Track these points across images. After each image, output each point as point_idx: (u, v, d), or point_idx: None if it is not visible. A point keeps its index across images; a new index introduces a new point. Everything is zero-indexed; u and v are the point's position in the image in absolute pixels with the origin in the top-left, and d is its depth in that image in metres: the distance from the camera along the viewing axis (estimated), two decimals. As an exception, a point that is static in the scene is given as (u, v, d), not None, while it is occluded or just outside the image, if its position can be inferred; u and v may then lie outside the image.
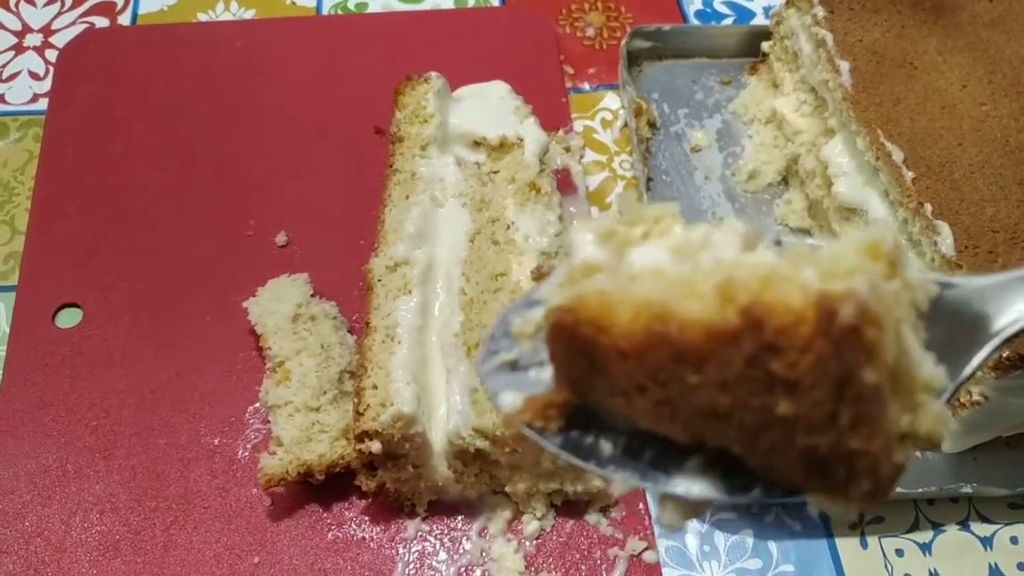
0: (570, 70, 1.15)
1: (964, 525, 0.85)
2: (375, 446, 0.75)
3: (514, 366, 0.48)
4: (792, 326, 0.34)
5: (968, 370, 0.45)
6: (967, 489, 0.83)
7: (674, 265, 0.42)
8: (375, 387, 0.77)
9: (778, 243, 0.49)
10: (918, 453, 0.87)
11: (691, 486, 0.42)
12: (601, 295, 0.39)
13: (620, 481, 0.43)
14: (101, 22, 1.15)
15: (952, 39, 0.94)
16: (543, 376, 0.45)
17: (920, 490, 0.84)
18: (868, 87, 0.90)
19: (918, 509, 0.86)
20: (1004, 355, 0.74)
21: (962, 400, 0.80)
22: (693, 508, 0.43)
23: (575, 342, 0.40)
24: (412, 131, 0.94)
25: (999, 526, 0.85)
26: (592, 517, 0.83)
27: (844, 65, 0.92)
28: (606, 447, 0.44)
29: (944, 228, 0.80)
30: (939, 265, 0.80)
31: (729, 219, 0.45)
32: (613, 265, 0.44)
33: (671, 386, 0.38)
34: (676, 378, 0.37)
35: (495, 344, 0.49)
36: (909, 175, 0.84)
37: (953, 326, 0.45)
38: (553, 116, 1.06)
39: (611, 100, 1.12)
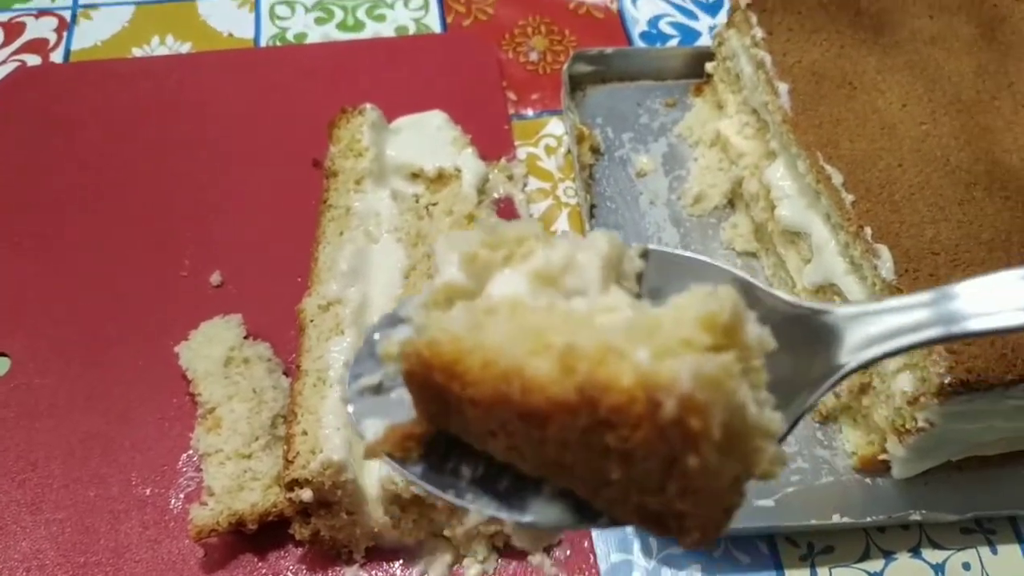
0: (513, 96, 1.13)
1: (915, 552, 0.84)
2: (306, 494, 0.73)
3: (378, 389, 0.48)
4: (624, 406, 0.35)
5: (809, 402, 0.45)
6: (916, 516, 0.82)
7: (532, 297, 0.44)
8: (305, 433, 0.75)
9: (644, 255, 0.49)
10: (867, 480, 0.86)
11: (544, 513, 0.43)
12: (454, 341, 0.40)
13: (476, 511, 0.44)
14: (33, 60, 1.13)
15: (892, 57, 0.93)
16: (406, 397, 0.45)
17: (869, 519, 0.82)
18: (807, 109, 0.89)
19: (868, 537, 0.84)
20: (947, 381, 0.73)
21: (907, 427, 0.78)
22: (547, 534, 0.50)
23: (428, 387, 0.41)
24: (347, 165, 0.93)
25: (951, 552, 0.84)
26: (535, 558, 0.80)
27: (783, 87, 0.91)
28: (466, 474, 0.45)
29: (884, 251, 0.79)
30: (880, 289, 0.79)
31: (594, 233, 0.46)
32: (474, 290, 0.46)
33: (519, 436, 0.39)
34: (521, 432, 0.39)
35: (359, 367, 0.49)
36: (849, 198, 0.82)
37: (813, 352, 0.45)
38: (495, 144, 1.05)
39: (555, 126, 1.11)
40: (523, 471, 0.42)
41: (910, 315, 0.44)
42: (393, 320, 0.49)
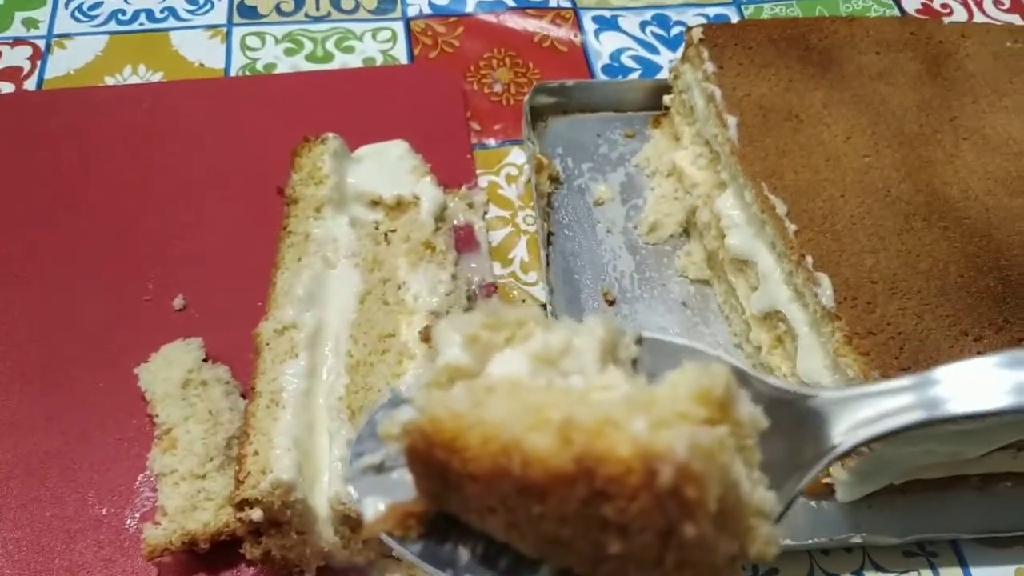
0: (476, 126, 1.16)
1: (858, 575, 0.85)
2: (256, 514, 0.75)
3: (379, 468, 0.49)
4: (621, 476, 0.36)
5: (802, 484, 0.47)
6: (857, 539, 0.83)
7: (532, 376, 0.46)
8: (256, 453, 0.77)
9: (639, 341, 0.51)
10: (812, 503, 0.88)
11: None
12: (455, 418, 0.41)
13: None
14: (6, 87, 1.15)
15: (838, 91, 0.97)
16: (407, 477, 0.47)
17: (811, 541, 0.84)
18: (754, 141, 0.92)
19: (812, 560, 0.86)
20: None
21: (847, 450, 0.80)
22: None
23: (429, 463, 0.42)
24: (307, 192, 0.95)
25: (893, 575, 0.85)
26: (484, 579, 0.82)
27: (731, 120, 0.94)
28: (464, 554, 0.46)
29: (824, 280, 0.81)
30: (820, 316, 0.81)
31: (592, 319, 0.48)
32: (475, 370, 0.47)
33: (518, 512, 0.40)
34: (520, 507, 0.40)
35: (361, 446, 0.50)
36: (792, 227, 0.85)
37: (797, 436, 0.48)
38: (457, 172, 1.07)
39: (517, 155, 1.13)
40: (522, 551, 0.43)
41: (894, 399, 0.46)
42: (395, 401, 0.50)
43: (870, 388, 0.47)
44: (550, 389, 0.44)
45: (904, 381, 0.46)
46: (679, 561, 0.37)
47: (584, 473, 0.37)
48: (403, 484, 0.47)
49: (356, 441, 0.51)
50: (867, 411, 0.46)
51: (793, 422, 0.47)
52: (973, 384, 0.45)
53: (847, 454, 0.47)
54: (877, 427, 0.46)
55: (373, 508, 0.47)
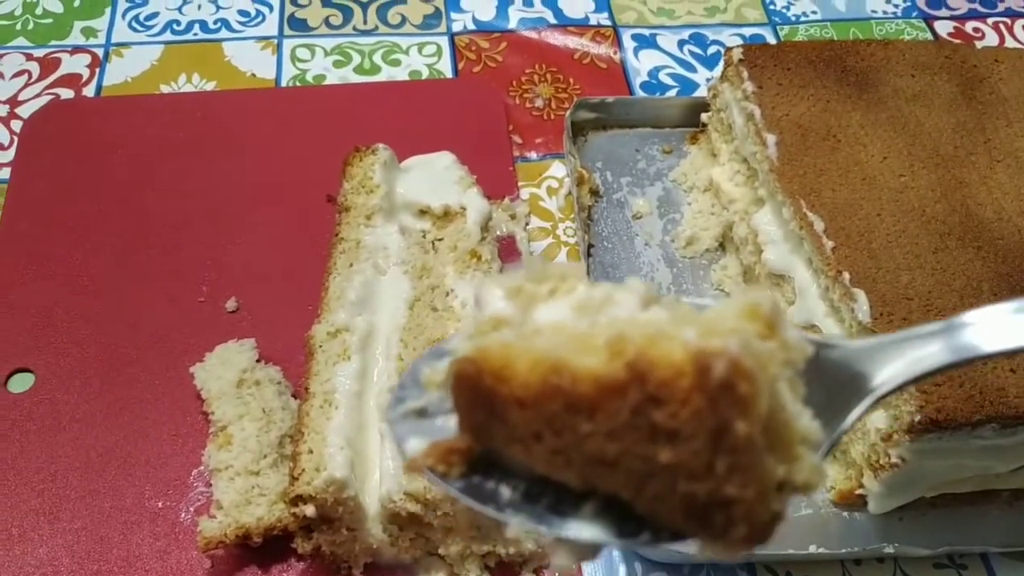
0: (519, 140, 1.19)
1: (889, 585, 0.87)
2: (309, 510, 0.78)
3: (422, 413, 0.49)
4: (673, 379, 0.37)
5: (846, 424, 0.48)
6: (889, 549, 0.85)
7: (576, 321, 0.45)
8: (311, 452, 0.80)
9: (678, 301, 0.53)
10: (845, 514, 0.90)
11: (583, 530, 0.44)
12: (503, 347, 0.42)
13: (516, 524, 0.45)
14: (67, 93, 1.20)
15: (874, 113, 0.99)
16: (449, 424, 0.47)
17: (844, 551, 0.86)
18: (793, 159, 0.94)
19: (845, 569, 0.88)
20: (917, 419, 0.77)
21: (881, 463, 0.83)
22: (585, 551, 0.45)
23: (476, 391, 0.42)
24: (358, 201, 0.98)
25: (924, 586, 0.87)
26: (525, 578, 0.85)
27: (771, 138, 0.96)
28: (506, 492, 0.45)
29: (861, 296, 0.84)
30: (856, 332, 0.84)
31: (630, 279, 0.48)
32: (519, 320, 0.46)
33: (565, 435, 0.40)
34: (569, 427, 0.40)
35: (403, 392, 0.50)
36: (829, 244, 0.87)
37: (833, 385, 0.48)
38: (500, 184, 1.10)
39: (557, 168, 1.16)
40: (566, 481, 0.43)
41: (925, 343, 0.48)
42: (439, 353, 0.51)
43: (900, 335, 0.49)
44: (597, 324, 0.44)
45: (932, 327, 0.48)
46: (730, 467, 0.37)
47: (636, 379, 0.37)
48: (445, 430, 0.47)
49: (398, 387, 0.51)
50: (901, 355, 0.48)
51: (826, 370, 0.48)
52: (1001, 324, 0.47)
53: (886, 396, 0.48)
54: (914, 369, 0.47)
55: (414, 445, 0.47)
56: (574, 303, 0.46)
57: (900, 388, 0.48)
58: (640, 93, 1.26)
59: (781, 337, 0.42)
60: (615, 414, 0.38)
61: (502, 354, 0.41)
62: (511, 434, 0.42)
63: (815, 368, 0.45)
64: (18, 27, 1.26)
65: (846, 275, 0.85)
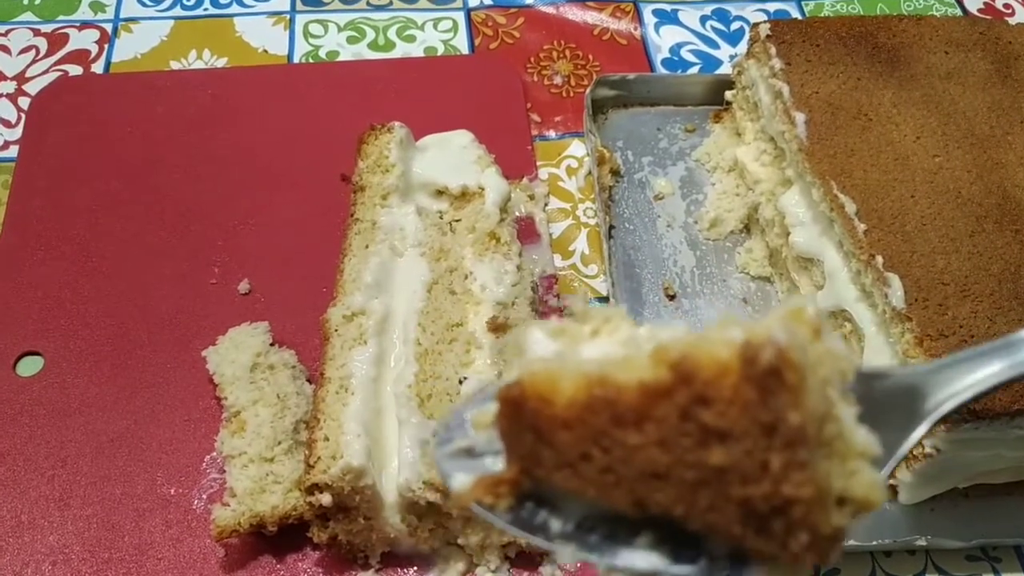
0: (537, 118, 1.16)
1: (920, 578, 0.85)
2: (325, 498, 0.76)
3: (469, 452, 0.49)
4: (719, 376, 0.36)
5: (907, 445, 0.49)
6: (922, 541, 0.83)
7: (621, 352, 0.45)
8: (327, 439, 0.78)
9: None
10: (874, 504, 0.87)
11: (637, 559, 0.43)
12: (547, 369, 0.42)
13: (566, 554, 0.45)
14: (75, 70, 1.17)
15: (907, 91, 0.96)
16: (498, 464, 0.47)
17: (875, 542, 0.83)
18: (823, 139, 0.91)
19: (875, 562, 0.86)
20: (953, 408, 0.74)
21: (914, 452, 0.80)
22: None
23: (522, 415, 0.42)
24: (374, 180, 0.96)
25: (955, 578, 0.85)
26: (547, 569, 0.83)
27: (800, 116, 0.93)
28: (556, 525, 0.45)
29: (895, 280, 0.81)
30: (890, 317, 0.81)
31: (674, 324, 0.49)
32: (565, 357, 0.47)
33: (613, 451, 0.40)
34: (617, 442, 0.39)
35: (450, 433, 0.51)
36: (861, 227, 0.84)
37: (887, 410, 0.49)
38: (518, 164, 1.08)
39: (577, 148, 1.13)
40: (617, 506, 0.42)
41: (987, 361, 0.50)
42: (485, 397, 0.51)
43: (955, 357, 0.50)
44: (638, 351, 0.43)
45: (990, 346, 0.50)
46: (785, 463, 0.36)
47: (682, 380, 0.37)
48: (493, 469, 0.47)
49: (444, 429, 0.51)
50: (958, 377, 0.50)
51: (877, 397, 0.49)
52: None
53: (949, 416, 0.49)
54: (976, 388, 0.49)
55: (461, 480, 0.47)
56: (618, 341, 0.47)
57: (962, 407, 0.49)
58: (661, 70, 1.22)
59: (827, 344, 0.42)
60: (663, 420, 0.38)
61: (547, 376, 0.41)
62: (559, 458, 0.42)
63: (867, 395, 0.45)
64: (25, 2, 1.23)
65: (879, 259, 0.82)
